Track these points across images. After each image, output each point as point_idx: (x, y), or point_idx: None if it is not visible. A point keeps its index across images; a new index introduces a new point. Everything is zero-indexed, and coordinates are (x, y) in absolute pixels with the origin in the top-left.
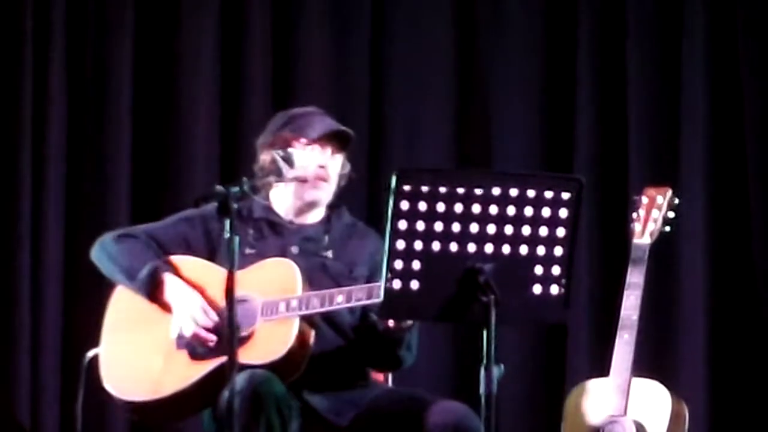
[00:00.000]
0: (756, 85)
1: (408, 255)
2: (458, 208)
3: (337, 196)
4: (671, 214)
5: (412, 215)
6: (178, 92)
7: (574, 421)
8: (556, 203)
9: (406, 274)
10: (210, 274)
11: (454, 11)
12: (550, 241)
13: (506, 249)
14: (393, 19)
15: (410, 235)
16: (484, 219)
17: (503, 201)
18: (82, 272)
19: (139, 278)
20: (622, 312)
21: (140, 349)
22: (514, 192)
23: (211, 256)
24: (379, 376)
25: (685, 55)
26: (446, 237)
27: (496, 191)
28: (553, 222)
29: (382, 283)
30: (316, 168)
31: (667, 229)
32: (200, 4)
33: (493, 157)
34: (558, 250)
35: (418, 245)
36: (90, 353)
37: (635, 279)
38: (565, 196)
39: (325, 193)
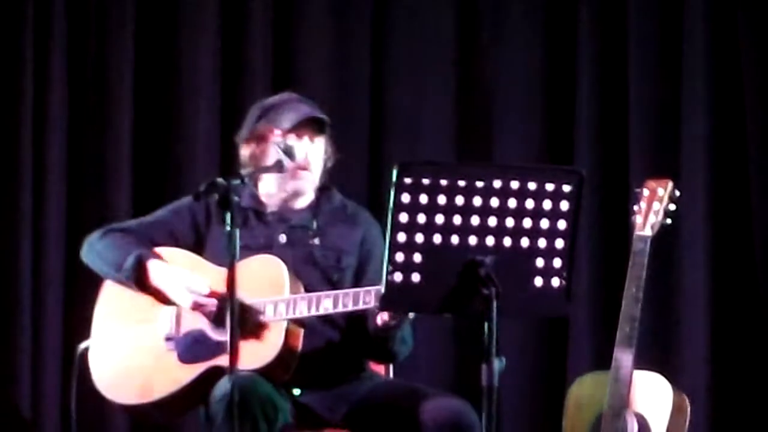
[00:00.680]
0: (757, 76)
1: (409, 248)
2: (459, 200)
3: (327, 179)
4: (672, 207)
5: (413, 208)
6: (179, 85)
7: (575, 414)
8: (557, 196)
9: (407, 267)
10: (197, 268)
11: (456, 3)
12: (551, 234)
13: (507, 241)
14: (394, 11)
15: (411, 227)
16: (485, 211)
17: (504, 193)
18: (83, 269)
19: (125, 268)
20: (624, 304)
21: (129, 349)
22: (515, 184)
23: (197, 247)
24: (379, 368)
25: (686, 47)
26: (447, 230)
27: (497, 184)
28: (554, 214)
29: (383, 276)
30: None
31: (668, 221)
32: None
33: (493, 149)
34: (559, 243)
35: (420, 238)
36: (83, 345)
37: (636, 271)
38: (566, 188)
39: (308, 182)
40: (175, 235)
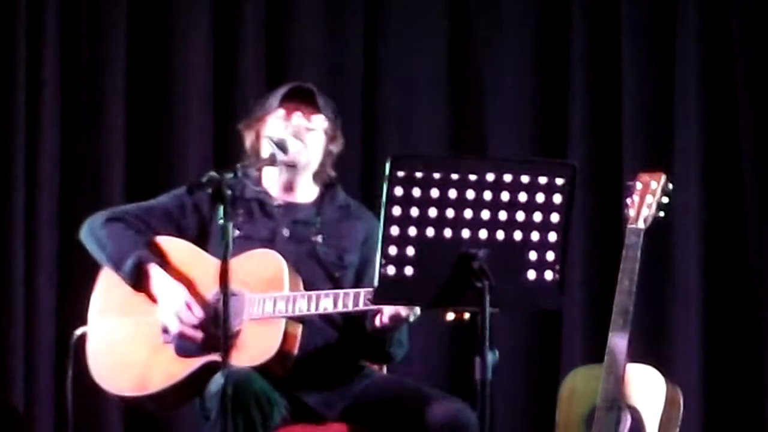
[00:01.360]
0: (749, 70)
1: (402, 241)
2: (452, 193)
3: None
4: (665, 200)
5: (406, 201)
6: (172, 82)
7: (568, 407)
8: (549, 189)
9: (400, 261)
10: (198, 260)
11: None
12: (544, 227)
13: (500, 235)
14: (387, 8)
15: (404, 221)
16: (478, 205)
17: (497, 187)
18: (76, 256)
19: (124, 269)
20: (617, 297)
21: (126, 340)
22: (508, 178)
23: (201, 236)
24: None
25: (678, 41)
26: (440, 223)
27: (490, 177)
28: (547, 208)
29: (376, 270)
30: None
31: (661, 214)
32: None
33: (486, 143)
34: (552, 236)
35: (412, 231)
36: (78, 331)
37: (629, 264)
38: (559, 181)
39: (302, 156)
40: (177, 224)
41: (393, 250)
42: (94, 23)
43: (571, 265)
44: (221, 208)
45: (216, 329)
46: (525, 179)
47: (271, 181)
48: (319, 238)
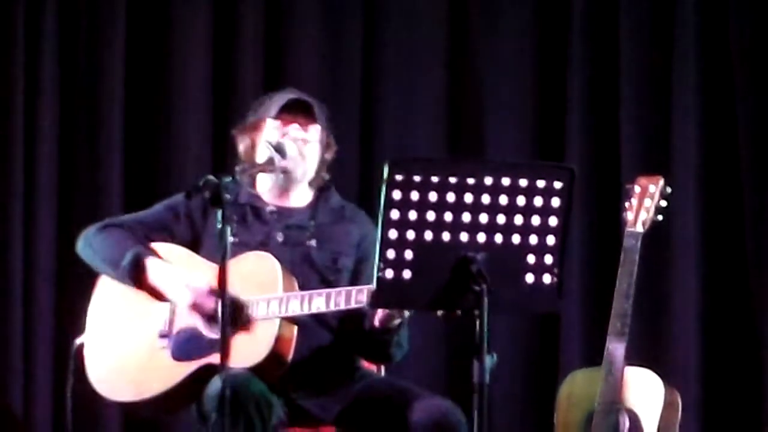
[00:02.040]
0: (748, 74)
1: (400, 244)
2: (450, 197)
3: (325, 171)
4: (663, 203)
5: (405, 205)
6: (171, 86)
7: (567, 410)
8: (548, 192)
9: (398, 264)
10: (193, 265)
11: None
12: (543, 231)
13: (498, 238)
14: (385, 9)
15: (402, 224)
16: (476, 208)
17: (495, 190)
18: (75, 264)
19: (122, 266)
20: (615, 301)
21: (123, 346)
22: (506, 181)
23: (193, 243)
24: (371, 365)
25: (677, 45)
26: (438, 226)
27: (488, 180)
28: (545, 211)
29: (374, 273)
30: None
31: (660, 218)
32: None
33: (485, 146)
34: (550, 240)
35: (411, 235)
36: (78, 340)
37: (627, 268)
38: (557, 185)
39: (299, 168)
40: (171, 231)
41: (391, 254)
42: (92, 30)
43: (569, 269)
44: (219, 212)
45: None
46: (523, 183)
47: (265, 186)
48: (313, 243)
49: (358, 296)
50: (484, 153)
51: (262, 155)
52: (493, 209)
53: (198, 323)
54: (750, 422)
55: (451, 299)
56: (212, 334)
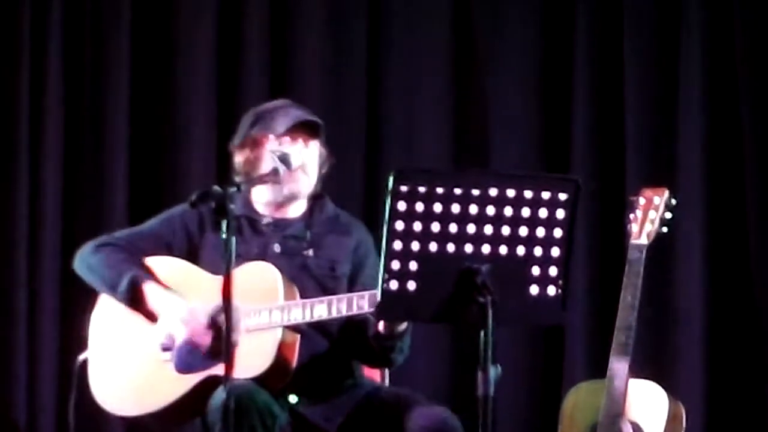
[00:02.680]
0: (754, 86)
1: (405, 256)
2: (455, 208)
3: (321, 185)
4: (668, 215)
5: (409, 216)
6: (176, 93)
7: (571, 423)
8: (553, 204)
9: (403, 275)
10: (192, 277)
11: (451, 8)
12: (547, 242)
13: (503, 250)
14: (390, 16)
15: (407, 235)
16: (481, 220)
17: (500, 202)
18: (79, 277)
19: (119, 291)
20: (619, 313)
21: (126, 360)
22: (511, 193)
23: (191, 256)
24: (373, 374)
25: (682, 56)
26: (443, 238)
27: (493, 192)
28: (550, 223)
29: (378, 284)
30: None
31: (664, 230)
32: (198, 1)
33: (490, 157)
34: (555, 251)
35: (415, 246)
36: (81, 356)
37: (632, 280)
38: (562, 196)
39: (304, 185)
40: (168, 245)
41: (396, 265)
42: (97, 32)
43: (574, 281)
44: (224, 223)
45: (215, 341)
46: (528, 194)
47: (262, 198)
48: (310, 252)
49: (359, 302)
50: (489, 164)
51: (266, 166)
52: (498, 220)
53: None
54: None
55: (455, 311)
56: (211, 366)
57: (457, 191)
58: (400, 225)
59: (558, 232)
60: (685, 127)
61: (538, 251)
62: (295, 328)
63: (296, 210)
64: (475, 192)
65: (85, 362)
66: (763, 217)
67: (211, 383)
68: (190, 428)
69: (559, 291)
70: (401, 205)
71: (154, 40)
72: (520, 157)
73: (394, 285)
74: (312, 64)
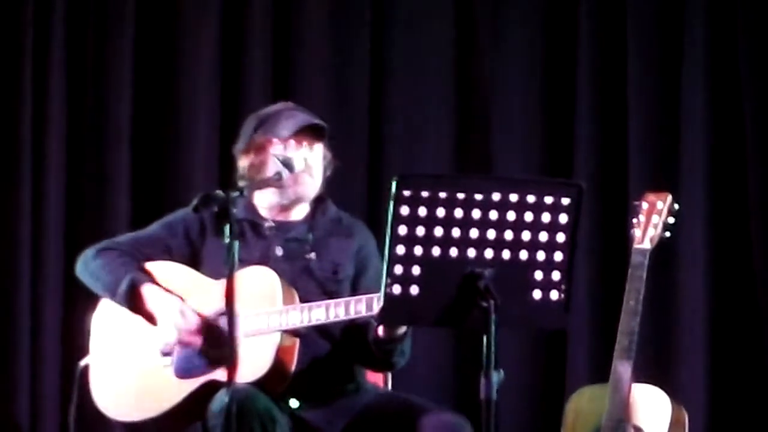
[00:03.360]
0: (757, 91)
1: (408, 260)
2: (458, 213)
3: (325, 188)
4: (671, 220)
5: (412, 220)
6: (179, 96)
7: (573, 428)
8: (555, 208)
9: (405, 280)
10: (194, 282)
11: (455, 14)
12: (550, 247)
13: (506, 254)
14: (393, 22)
15: (410, 240)
16: (483, 224)
17: (503, 206)
18: (82, 282)
19: (119, 293)
20: (622, 318)
21: (126, 366)
22: (513, 197)
23: (192, 260)
24: (377, 378)
25: (685, 61)
26: (446, 242)
27: (496, 196)
28: (552, 227)
29: (381, 288)
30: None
31: (667, 234)
32: (201, 4)
33: (493, 162)
34: (558, 256)
35: (418, 250)
36: (83, 362)
37: (635, 284)
38: (565, 201)
39: (310, 188)
40: (169, 250)
41: (399, 269)
42: (99, 39)
43: (576, 285)
44: (227, 227)
45: (213, 347)
46: (531, 199)
47: (264, 202)
48: (313, 255)
49: (357, 306)
50: (492, 167)
51: (270, 170)
52: (501, 225)
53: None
54: None
55: (458, 315)
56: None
57: (460, 196)
58: (403, 229)
59: (561, 237)
60: (688, 131)
61: (540, 256)
62: (294, 332)
63: (299, 213)
64: (478, 196)
65: (86, 368)
66: (766, 222)
67: (211, 388)
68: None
69: (562, 295)
70: (404, 210)
71: (157, 42)
72: (523, 162)
73: (397, 289)
74: (315, 66)
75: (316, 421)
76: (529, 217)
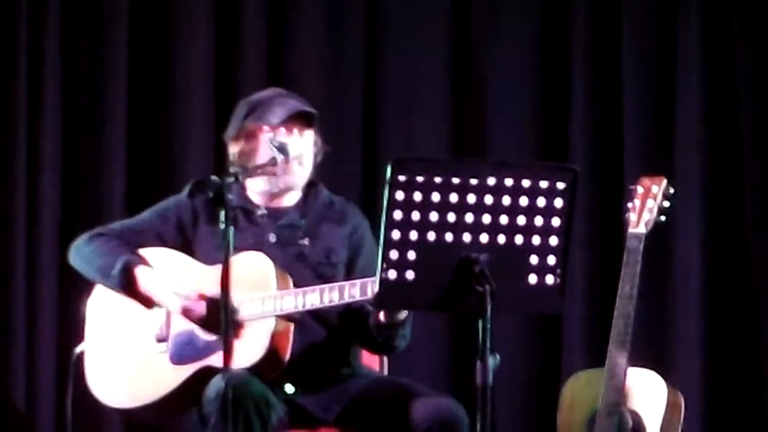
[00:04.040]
0: (751, 73)
1: (403, 245)
2: (453, 198)
3: (315, 174)
4: (666, 204)
5: (408, 205)
6: (173, 85)
7: (569, 412)
8: (551, 193)
9: (401, 265)
10: (187, 268)
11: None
12: (546, 231)
13: (501, 239)
14: (388, 8)
15: (405, 225)
16: (479, 209)
17: (498, 191)
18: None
19: (112, 275)
20: (618, 302)
21: (121, 352)
22: (509, 182)
23: (184, 247)
24: (372, 362)
25: (680, 45)
26: (441, 227)
27: (491, 181)
28: (548, 212)
29: (377, 273)
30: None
31: (663, 218)
32: None
33: (488, 146)
34: (553, 240)
35: (414, 235)
36: (78, 349)
37: (630, 269)
38: (560, 185)
39: (299, 176)
40: (162, 237)
41: (394, 255)
42: (95, 23)
43: (572, 270)
44: (222, 212)
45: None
46: (526, 183)
47: (257, 188)
48: (306, 241)
49: (351, 291)
50: (487, 154)
51: (264, 156)
52: (496, 210)
53: (193, 326)
54: (753, 424)
55: (453, 300)
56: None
57: (455, 181)
58: (398, 214)
59: (556, 221)
60: (682, 115)
61: (536, 240)
62: (289, 318)
63: (291, 199)
64: (473, 181)
65: (81, 355)
66: (761, 206)
67: (206, 374)
68: (186, 418)
69: (558, 280)
70: (399, 195)
71: (152, 34)
72: (518, 147)
73: (392, 274)
74: (310, 56)
75: (311, 407)
76: (524, 201)
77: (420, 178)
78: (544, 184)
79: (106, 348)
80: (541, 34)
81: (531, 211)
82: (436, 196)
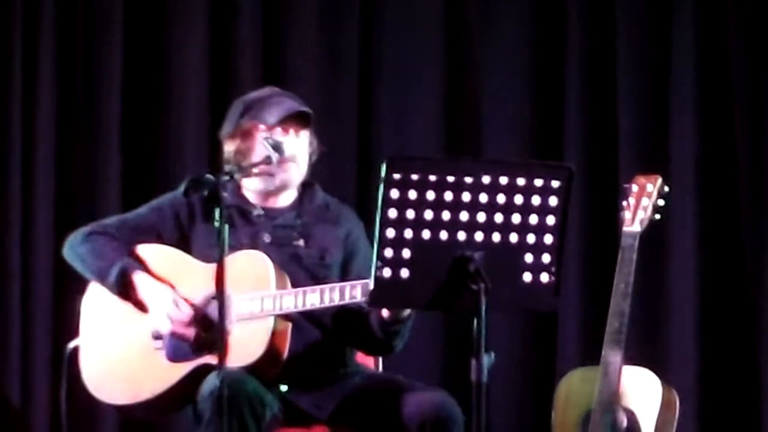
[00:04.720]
0: (746, 73)
1: (398, 243)
2: (448, 196)
3: (310, 173)
4: (661, 202)
5: (402, 203)
6: (168, 83)
7: (564, 410)
8: (546, 191)
9: (396, 263)
10: (183, 265)
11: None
12: (540, 229)
13: (496, 237)
14: (383, 6)
15: (400, 223)
16: (474, 207)
17: (493, 189)
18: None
19: (109, 280)
20: (612, 300)
21: (117, 349)
22: (504, 180)
23: (181, 243)
24: (367, 360)
25: (675, 42)
26: (436, 225)
27: (486, 179)
28: (543, 210)
29: (372, 271)
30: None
31: (657, 216)
32: None
33: (482, 144)
34: (548, 238)
35: (408, 234)
36: (72, 344)
37: (625, 267)
38: (555, 184)
39: (295, 176)
40: (158, 233)
41: (389, 253)
42: (90, 22)
43: (566, 268)
44: (217, 211)
45: (205, 332)
46: (521, 182)
47: (252, 187)
48: (301, 242)
49: (352, 292)
50: (482, 152)
51: (259, 154)
52: (491, 208)
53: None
54: (747, 422)
55: (448, 298)
56: (201, 356)
57: (450, 179)
58: (392, 213)
59: (551, 219)
60: (677, 114)
61: (531, 238)
62: (286, 317)
63: (286, 199)
64: (468, 179)
65: (75, 350)
66: (755, 204)
67: (202, 371)
68: (180, 416)
69: (552, 278)
70: (394, 193)
71: (147, 33)
72: (513, 145)
73: (387, 272)
74: (305, 54)
75: (305, 405)
76: (519, 199)
77: (415, 176)
78: (539, 182)
79: (102, 345)
80: (535, 34)
81: (526, 209)
82: (430, 194)
